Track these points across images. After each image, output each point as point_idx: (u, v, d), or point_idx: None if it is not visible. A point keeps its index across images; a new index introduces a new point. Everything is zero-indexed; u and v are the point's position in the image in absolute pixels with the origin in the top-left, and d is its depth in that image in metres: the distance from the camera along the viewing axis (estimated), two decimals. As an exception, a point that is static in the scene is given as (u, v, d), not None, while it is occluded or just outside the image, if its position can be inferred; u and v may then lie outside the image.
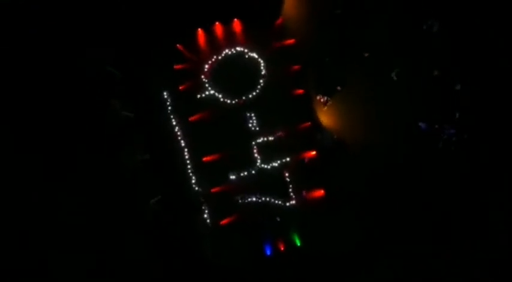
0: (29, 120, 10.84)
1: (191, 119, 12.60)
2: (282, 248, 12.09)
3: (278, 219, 12.18)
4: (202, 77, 12.63)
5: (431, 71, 11.42)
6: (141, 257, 11.16)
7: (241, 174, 12.41)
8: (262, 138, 12.47)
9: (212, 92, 12.61)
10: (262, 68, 12.57)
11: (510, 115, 10.87)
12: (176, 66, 12.64)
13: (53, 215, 10.72)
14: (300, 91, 12.50)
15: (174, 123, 12.61)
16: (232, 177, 12.42)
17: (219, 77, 12.65)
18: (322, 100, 12.24)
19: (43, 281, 10.60)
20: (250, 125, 12.50)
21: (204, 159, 12.50)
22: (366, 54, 11.86)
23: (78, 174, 11.08)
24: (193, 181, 12.45)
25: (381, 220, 11.59)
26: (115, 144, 11.84)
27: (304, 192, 12.30)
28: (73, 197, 10.94)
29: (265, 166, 12.41)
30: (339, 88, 11.96)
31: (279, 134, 12.46)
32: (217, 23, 12.67)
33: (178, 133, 12.59)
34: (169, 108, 12.62)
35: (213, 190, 12.42)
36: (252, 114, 12.49)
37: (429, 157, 11.45)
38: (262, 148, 12.48)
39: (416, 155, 11.49)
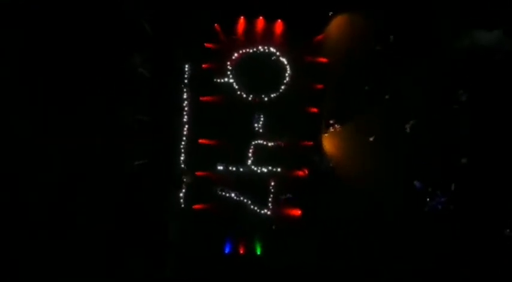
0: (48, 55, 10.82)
1: (202, 98, 12.58)
2: (242, 251, 12.12)
3: (274, 228, 12.17)
4: (228, 63, 12.59)
5: (445, 136, 11.43)
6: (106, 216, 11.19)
7: (229, 168, 12.42)
8: (261, 141, 12.46)
9: (232, 80, 12.58)
10: (286, 75, 12.53)
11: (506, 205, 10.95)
12: (207, 44, 12.62)
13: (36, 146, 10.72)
14: (315, 110, 12.47)
15: (184, 96, 12.60)
16: (220, 167, 12.41)
17: (243, 69, 12.60)
18: (331, 126, 12.26)
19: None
20: (255, 125, 12.49)
21: (200, 141, 12.50)
22: (386, 97, 11.85)
23: (76, 116, 11.05)
24: (182, 158, 12.47)
25: (346, 255, 11.63)
26: (120, 96, 11.79)
27: (281, 206, 12.31)
28: (63, 138, 10.91)
29: (255, 168, 12.40)
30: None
31: (279, 142, 12.45)
32: (261, 17, 12.64)
33: (186, 107, 12.59)
34: (186, 81, 12.61)
35: (197, 173, 12.44)
36: (261, 116, 12.47)
37: (413, 215, 11.47)
38: (259, 150, 12.47)
39: (402, 208, 11.51)
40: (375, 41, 11.95)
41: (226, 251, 12.17)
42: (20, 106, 10.44)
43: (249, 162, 12.43)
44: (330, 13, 12.36)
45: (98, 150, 11.20)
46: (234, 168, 12.43)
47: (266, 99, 12.51)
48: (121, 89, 11.57)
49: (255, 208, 12.30)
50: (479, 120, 11.30)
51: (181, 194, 12.34)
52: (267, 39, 12.64)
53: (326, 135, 12.34)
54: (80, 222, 10.98)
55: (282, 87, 12.51)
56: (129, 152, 11.86)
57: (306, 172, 12.39)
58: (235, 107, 12.53)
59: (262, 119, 12.52)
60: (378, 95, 11.91)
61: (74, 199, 11.04)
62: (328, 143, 12.34)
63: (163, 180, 12.32)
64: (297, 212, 12.26)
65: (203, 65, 12.64)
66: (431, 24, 11.48)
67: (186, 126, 12.57)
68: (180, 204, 12.33)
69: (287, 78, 12.53)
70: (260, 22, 12.65)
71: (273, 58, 12.58)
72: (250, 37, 12.68)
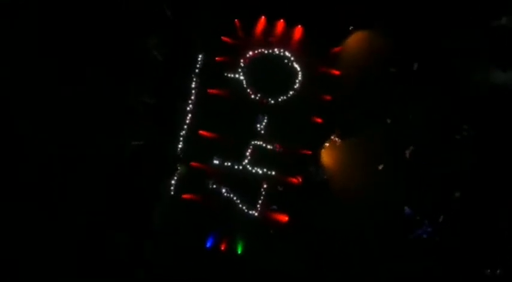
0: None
1: (210, 90, 12.59)
2: (223, 248, 12.12)
3: (271, 232, 12.15)
4: (241, 60, 12.62)
5: (442, 168, 11.45)
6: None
7: (225, 164, 12.42)
8: (261, 143, 12.45)
9: (242, 77, 12.59)
10: (297, 81, 12.53)
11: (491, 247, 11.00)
12: (224, 38, 12.64)
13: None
14: (319, 120, 12.44)
15: (193, 85, 12.62)
16: (216, 162, 12.42)
17: (255, 68, 12.64)
18: (335, 139, 12.27)
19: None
20: (258, 125, 12.49)
21: (201, 132, 12.51)
22: (388, 121, 11.90)
23: (81, 88, 11.07)
24: (179, 146, 12.47)
25: (325, 264, 11.67)
26: (130, 75, 11.79)
27: (270, 210, 12.31)
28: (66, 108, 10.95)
29: (250, 168, 12.39)
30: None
31: (278, 147, 12.44)
32: (282, 19, 12.63)
33: (192, 97, 12.59)
34: (197, 71, 12.61)
35: (192, 163, 12.45)
36: (265, 117, 12.48)
37: (396, 239, 11.50)
38: (257, 151, 12.46)
39: (387, 230, 11.54)
40: (390, 62, 11.95)
41: (208, 245, 12.16)
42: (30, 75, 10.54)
43: (246, 161, 12.42)
44: (351, 27, 12.35)
45: (98, 124, 11.22)
46: (229, 165, 12.42)
47: (273, 101, 12.52)
48: (131, 68, 11.57)
49: (244, 208, 12.29)
50: (479, 157, 11.31)
51: (172, 182, 12.35)
52: (284, 43, 12.65)
53: (326, 147, 12.32)
54: (71, 193, 11.03)
55: (291, 92, 12.51)
56: (129, 132, 11.87)
57: (300, 180, 12.37)
58: (241, 104, 12.55)
59: (265, 120, 12.52)
60: (383, 116, 11.93)
61: (68, 171, 11.07)
62: (327, 155, 12.32)
63: (157, 165, 12.31)
64: (284, 218, 12.25)
65: (216, 58, 12.67)
66: (448, 57, 11.53)
67: (189, 115, 12.57)
68: (170, 191, 12.33)
69: (297, 85, 12.52)
70: (280, 25, 12.66)
71: (290, 64, 12.58)
72: (268, 37, 12.68)
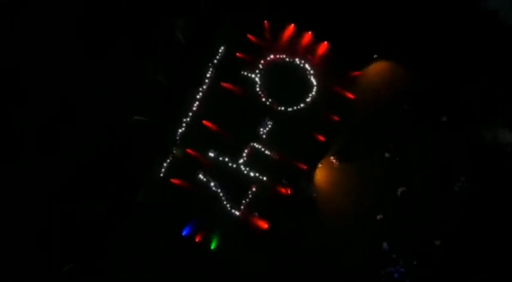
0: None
1: (223, 84, 12.61)
2: (198, 240, 12.13)
3: (267, 239, 12.14)
4: (262, 62, 12.66)
5: (430, 214, 11.46)
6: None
7: (220, 158, 12.44)
8: (260, 146, 12.46)
9: (257, 79, 12.61)
10: (310, 95, 12.54)
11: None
12: (249, 36, 12.66)
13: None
14: (322, 138, 12.46)
15: (207, 75, 12.63)
16: (211, 154, 12.44)
17: (273, 73, 12.67)
18: (332, 160, 12.28)
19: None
20: (261, 129, 12.50)
21: (204, 122, 12.53)
22: (386, 155, 11.91)
23: (100, 60, 11.15)
24: (180, 130, 12.51)
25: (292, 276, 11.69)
26: (150, 53, 11.83)
27: (253, 214, 12.33)
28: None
29: (243, 169, 12.39)
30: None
31: (276, 154, 12.44)
32: (310, 32, 12.63)
33: (204, 86, 12.61)
34: (215, 62, 12.64)
35: (188, 150, 12.48)
36: (271, 123, 12.49)
37: (368, 271, 11.51)
38: (254, 153, 12.47)
39: (361, 259, 11.52)
40: (406, 98, 11.97)
41: (184, 233, 12.18)
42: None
43: (241, 160, 12.42)
44: (375, 56, 12.37)
45: (107, 93, 11.28)
46: (224, 160, 12.43)
47: (282, 109, 12.52)
48: (152, 46, 11.60)
49: (227, 205, 12.29)
50: (470, 210, 11.31)
51: (165, 164, 12.37)
52: (307, 54, 12.65)
53: (321, 165, 12.32)
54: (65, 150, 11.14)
55: (302, 104, 12.52)
56: (135, 106, 11.91)
57: (289, 192, 12.38)
58: (250, 104, 12.56)
59: (270, 125, 12.52)
60: (385, 150, 11.94)
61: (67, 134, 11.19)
62: (321, 174, 12.32)
63: (154, 144, 12.34)
64: (264, 225, 12.26)
65: (238, 54, 12.68)
66: (463, 109, 11.56)
67: (197, 103, 12.58)
68: (160, 172, 12.36)
69: (309, 99, 12.53)
70: (308, 36, 12.67)
71: (308, 76, 12.58)
72: (293, 46, 12.72)
